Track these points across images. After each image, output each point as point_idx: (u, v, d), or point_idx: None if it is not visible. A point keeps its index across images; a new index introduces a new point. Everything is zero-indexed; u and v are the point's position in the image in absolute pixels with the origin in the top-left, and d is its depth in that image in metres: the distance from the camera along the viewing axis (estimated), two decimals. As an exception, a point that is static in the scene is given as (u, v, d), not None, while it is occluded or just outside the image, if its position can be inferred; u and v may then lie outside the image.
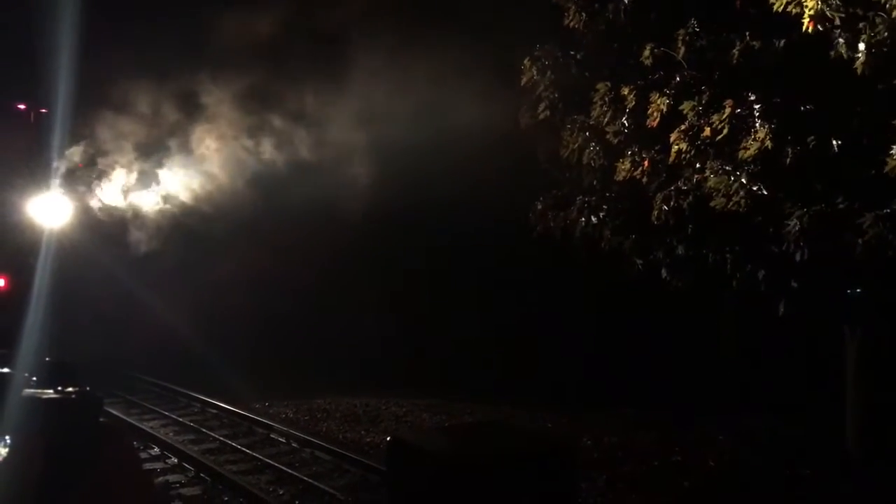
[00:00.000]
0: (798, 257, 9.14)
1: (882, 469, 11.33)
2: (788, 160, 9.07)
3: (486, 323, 20.32)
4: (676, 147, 9.95)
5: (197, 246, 19.19)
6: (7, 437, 7.21)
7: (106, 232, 17.64)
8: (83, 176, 17.05)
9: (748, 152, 9.22)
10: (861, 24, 7.93)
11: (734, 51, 9.57)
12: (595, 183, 11.95)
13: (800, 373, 15.95)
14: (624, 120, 10.77)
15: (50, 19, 15.16)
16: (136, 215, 17.40)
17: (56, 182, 16.50)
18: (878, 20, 7.79)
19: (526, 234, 13.40)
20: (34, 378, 9.21)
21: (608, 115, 10.90)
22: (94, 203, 17.11)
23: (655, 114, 10.18)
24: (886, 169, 8.31)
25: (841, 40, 8.14)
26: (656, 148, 10.54)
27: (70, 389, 7.43)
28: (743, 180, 9.46)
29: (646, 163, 10.63)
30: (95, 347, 18.94)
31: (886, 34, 7.73)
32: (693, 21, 9.88)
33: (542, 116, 12.02)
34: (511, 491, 5.41)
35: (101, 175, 16.99)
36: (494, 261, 20.13)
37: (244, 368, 19.27)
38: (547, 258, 16.32)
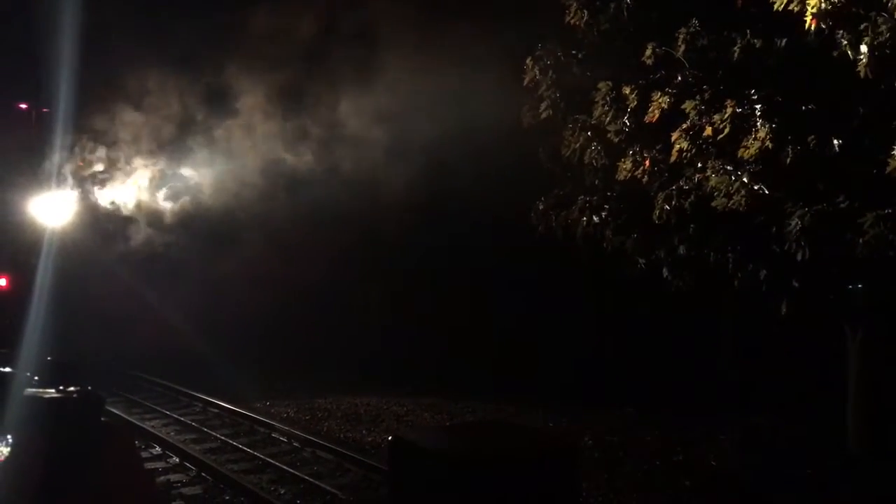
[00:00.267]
0: (799, 257, 9.14)
1: (883, 469, 11.33)
2: (789, 160, 9.06)
3: (488, 322, 20.33)
4: (678, 146, 9.95)
5: (199, 245, 19.20)
6: (8, 437, 7.21)
7: (107, 230, 17.65)
8: (85, 174, 17.06)
9: (749, 151, 9.22)
10: (863, 25, 7.92)
11: (735, 49, 9.57)
12: (597, 182, 11.96)
13: (801, 372, 15.94)
14: (625, 119, 10.77)
15: (51, 19, 15.18)
16: (139, 214, 17.41)
17: (57, 181, 16.52)
18: (880, 20, 7.78)
19: (527, 233, 13.41)
20: (36, 377, 9.21)
21: (610, 114, 10.89)
22: (96, 202, 17.12)
23: (656, 111, 10.18)
24: (888, 170, 8.30)
25: (844, 41, 8.13)
26: (658, 147, 10.54)
27: (71, 389, 7.42)
28: (744, 179, 9.46)
29: (647, 162, 10.63)
30: (97, 346, 18.97)
31: (889, 35, 7.71)
32: (694, 20, 9.88)
33: (543, 116, 12.02)
34: (512, 490, 5.41)
35: (104, 173, 16.99)
36: (496, 260, 20.13)
37: (245, 368, 19.30)
38: (548, 257, 16.32)
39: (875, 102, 8.98)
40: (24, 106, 18.67)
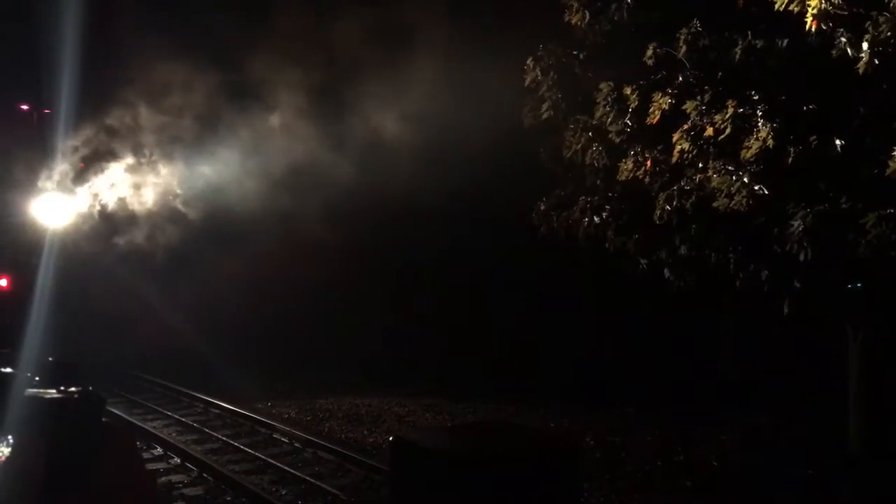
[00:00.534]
0: (802, 258, 9.13)
1: (885, 468, 11.32)
2: (791, 160, 9.06)
3: (488, 323, 20.34)
4: (679, 147, 9.95)
5: (200, 245, 19.18)
6: (10, 437, 7.22)
7: (109, 231, 17.64)
8: (87, 175, 17.05)
9: (750, 152, 9.22)
10: (865, 24, 7.92)
11: (736, 50, 9.57)
12: (598, 183, 11.97)
13: (802, 372, 15.93)
14: (627, 120, 10.76)
15: (53, 18, 15.17)
16: (142, 213, 17.38)
17: (59, 182, 16.50)
18: (881, 20, 7.78)
19: (528, 233, 13.41)
20: (37, 378, 9.22)
21: (611, 115, 10.89)
22: (98, 202, 17.10)
23: (657, 112, 10.18)
24: (889, 170, 8.30)
25: (843, 39, 8.12)
26: (659, 148, 10.54)
27: (73, 389, 7.43)
28: (745, 180, 9.45)
29: (648, 163, 10.64)
30: (98, 347, 18.98)
31: (890, 34, 7.71)
32: (695, 21, 9.88)
33: (545, 116, 12.03)
34: (514, 490, 5.40)
35: (106, 173, 16.97)
36: (496, 260, 20.14)
37: (247, 368, 19.31)
38: (549, 258, 16.32)
39: (876, 102, 8.98)
40: (25, 107, 18.66)
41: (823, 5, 7.95)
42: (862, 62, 7.96)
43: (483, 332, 20.08)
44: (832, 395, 13.04)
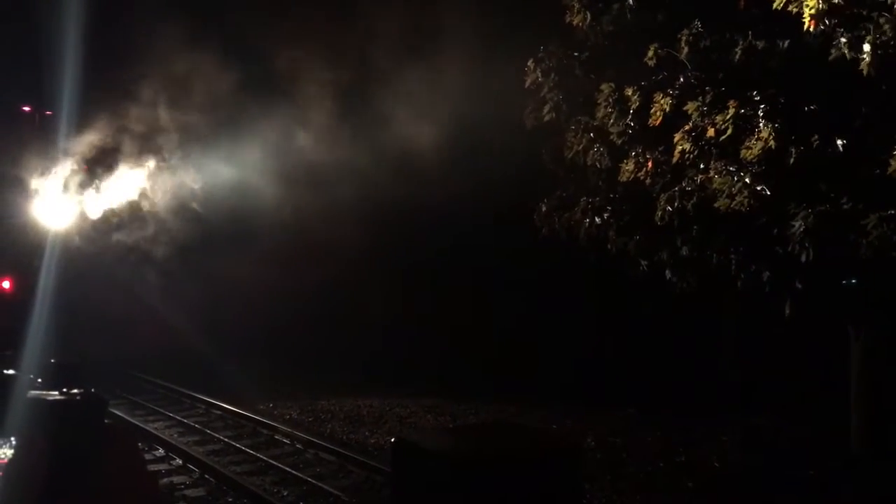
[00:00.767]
0: (803, 258, 9.12)
1: (886, 469, 11.32)
2: (792, 160, 9.06)
3: (490, 324, 20.34)
4: (680, 147, 9.95)
5: (203, 247, 19.21)
6: (12, 439, 7.23)
7: (112, 232, 17.67)
8: (90, 175, 17.07)
9: (752, 152, 9.21)
10: (867, 25, 7.92)
11: (737, 50, 9.57)
12: (600, 184, 11.97)
13: (803, 373, 15.93)
14: (628, 121, 10.77)
15: (55, 19, 15.18)
16: (145, 214, 17.40)
17: (61, 183, 16.53)
18: (882, 20, 7.78)
19: (528, 233, 13.41)
20: (39, 379, 9.23)
21: (612, 116, 10.89)
22: (101, 203, 17.12)
23: (658, 113, 10.18)
24: (890, 170, 8.30)
25: (843, 40, 8.12)
26: (660, 149, 10.54)
27: (75, 391, 7.43)
28: (746, 180, 9.44)
29: (650, 163, 10.64)
30: (100, 348, 18.98)
31: (892, 34, 7.71)
32: (697, 21, 9.88)
33: (546, 118, 12.03)
34: (516, 491, 5.40)
35: (110, 173, 16.98)
36: (498, 261, 20.14)
37: (248, 370, 19.31)
38: (550, 258, 16.33)
39: (878, 102, 8.98)
40: (27, 108, 18.68)
41: (821, 5, 7.95)
42: (864, 63, 7.96)
43: (484, 332, 20.07)
44: (833, 396, 13.04)
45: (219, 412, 16.70)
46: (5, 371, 9.63)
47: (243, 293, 21.64)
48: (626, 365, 17.78)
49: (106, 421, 7.63)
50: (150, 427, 15.36)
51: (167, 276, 20.50)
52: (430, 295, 20.93)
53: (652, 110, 10.26)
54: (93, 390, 7.65)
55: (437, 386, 18.31)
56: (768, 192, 9.37)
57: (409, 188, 16.83)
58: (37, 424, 6.96)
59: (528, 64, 11.92)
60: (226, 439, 14.43)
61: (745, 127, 9.34)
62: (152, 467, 12.44)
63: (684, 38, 9.95)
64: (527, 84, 12.04)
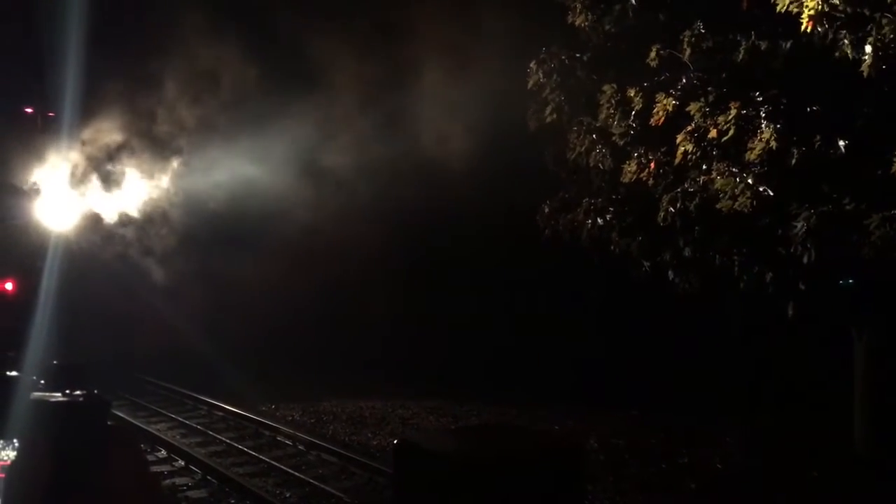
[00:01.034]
0: (805, 259, 9.11)
1: (889, 470, 11.30)
2: (795, 161, 9.05)
3: (493, 325, 20.33)
4: (682, 148, 9.95)
5: (206, 248, 19.21)
6: (15, 441, 7.24)
7: (115, 232, 17.67)
8: (94, 176, 17.08)
9: (754, 153, 9.21)
10: (868, 26, 7.92)
11: (740, 51, 9.57)
12: (602, 185, 11.96)
13: (806, 374, 15.92)
14: (630, 122, 10.76)
15: (57, 19, 15.18)
16: (149, 215, 17.40)
17: (64, 184, 16.54)
18: (884, 21, 7.77)
19: (530, 234, 13.41)
20: (42, 381, 9.24)
21: (615, 117, 10.89)
22: (104, 203, 17.12)
23: (660, 114, 10.18)
24: (893, 169, 8.29)
25: (846, 41, 8.12)
26: (662, 150, 10.54)
27: (78, 392, 7.44)
28: (749, 181, 9.44)
29: (652, 164, 10.63)
30: (103, 350, 18.99)
31: (893, 35, 7.71)
32: (699, 22, 9.88)
33: (548, 119, 12.03)
34: (518, 493, 5.41)
35: (115, 173, 16.99)
36: (500, 262, 20.13)
37: (251, 371, 19.32)
38: (552, 259, 16.31)
39: (879, 102, 8.98)
40: (29, 110, 18.69)
41: (821, 6, 7.95)
42: (865, 64, 7.96)
43: (486, 333, 20.08)
44: (836, 397, 13.03)
45: (221, 413, 16.70)
46: (9, 373, 9.63)
47: (246, 294, 21.63)
48: (629, 366, 17.77)
49: (109, 422, 7.65)
50: (152, 428, 15.37)
51: (169, 276, 20.51)
52: (432, 296, 20.94)
53: (654, 111, 10.26)
54: (95, 392, 7.67)
55: (439, 387, 18.30)
56: (770, 193, 9.36)
57: (417, 189, 16.85)
58: (40, 426, 6.98)
59: (531, 65, 11.93)
60: (228, 441, 14.43)
61: (747, 128, 9.34)
62: (155, 469, 12.46)
63: (686, 38, 9.95)
64: (529, 85, 12.04)
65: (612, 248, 11.90)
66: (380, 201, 18.03)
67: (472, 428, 12.47)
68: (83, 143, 16.83)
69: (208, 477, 12.23)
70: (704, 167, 9.97)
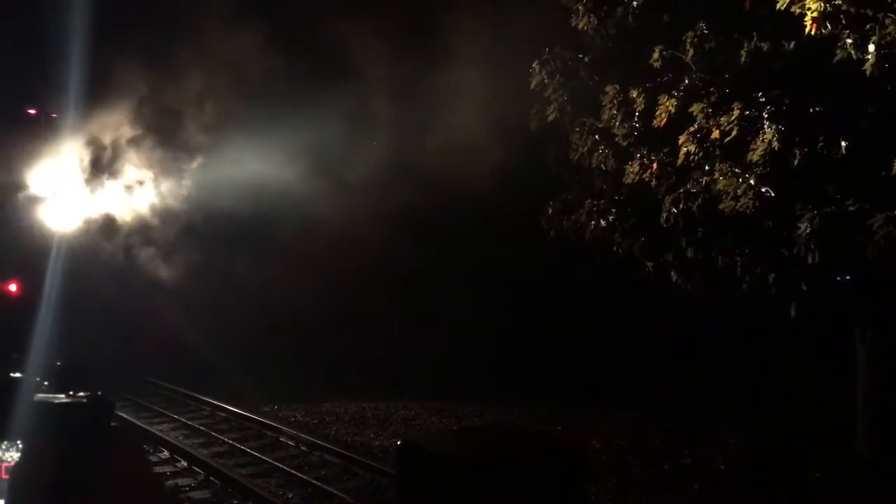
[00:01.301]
0: (810, 260, 9.10)
1: (892, 470, 11.29)
2: (797, 161, 9.04)
3: (495, 326, 20.33)
4: (685, 149, 9.94)
5: (208, 249, 19.24)
6: (19, 442, 7.24)
7: (118, 233, 17.71)
8: (96, 176, 17.11)
9: (756, 154, 9.19)
10: (870, 25, 7.91)
11: (743, 52, 9.56)
12: (605, 186, 11.96)
13: (809, 374, 15.90)
14: (633, 122, 10.76)
15: (61, 21, 15.20)
16: (152, 215, 17.42)
17: (68, 185, 16.57)
18: (887, 21, 7.76)
19: (532, 235, 13.42)
20: (45, 382, 9.25)
21: (617, 117, 10.89)
22: (106, 204, 17.15)
23: (663, 114, 10.18)
24: (895, 171, 8.28)
25: (849, 41, 8.11)
26: (665, 150, 10.53)
27: (81, 393, 7.46)
28: (751, 182, 9.42)
29: (655, 165, 10.63)
30: (106, 351, 19.01)
31: (896, 35, 7.70)
32: (702, 23, 9.87)
33: (550, 118, 12.03)
34: (521, 494, 5.41)
35: (119, 173, 17.01)
36: (502, 262, 20.13)
37: (253, 372, 19.32)
38: (555, 259, 16.31)
39: (882, 103, 8.96)
40: (32, 111, 18.73)
41: (825, 7, 7.94)
42: (868, 64, 7.95)
43: (488, 333, 20.07)
44: (838, 397, 13.01)
45: (224, 414, 16.71)
46: (12, 374, 9.64)
47: (248, 294, 21.64)
48: (631, 366, 17.76)
49: (112, 423, 7.66)
50: (155, 429, 15.38)
51: (173, 276, 20.53)
52: (433, 296, 20.94)
53: (657, 112, 10.25)
54: (99, 393, 7.68)
55: (441, 387, 18.30)
56: (773, 194, 9.35)
57: (418, 190, 16.85)
58: (43, 427, 6.99)
59: (534, 65, 11.93)
60: (231, 441, 14.44)
61: (749, 128, 9.32)
62: (158, 469, 12.47)
63: (689, 39, 9.93)
64: (532, 86, 12.05)
65: (614, 248, 11.90)
66: (382, 202, 18.03)
67: (474, 429, 12.48)
68: (88, 142, 16.85)
69: (211, 478, 12.24)
70: (707, 168, 9.95)
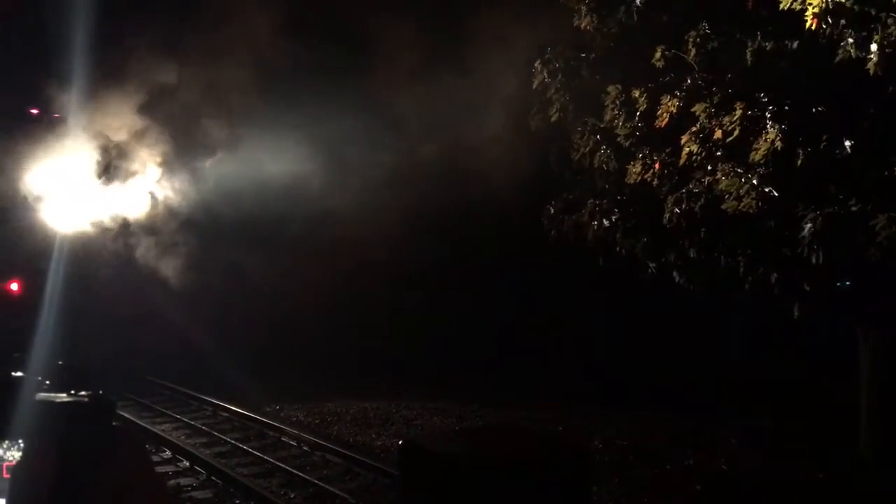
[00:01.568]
0: (813, 260, 9.08)
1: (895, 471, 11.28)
2: (800, 161, 9.02)
3: (497, 326, 20.32)
4: (687, 149, 9.94)
5: (210, 248, 19.21)
6: (20, 441, 7.23)
7: (121, 233, 17.68)
8: (100, 175, 17.08)
9: (759, 154, 9.19)
10: (873, 25, 7.89)
11: (747, 52, 9.55)
12: (607, 186, 11.95)
13: (812, 375, 15.88)
14: (635, 122, 10.75)
15: (63, 20, 15.17)
16: (155, 216, 17.39)
17: (70, 183, 16.55)
18: (889, 21, 7.75)
19: (533, 234, 13.41)
20: (47, 382, 9.23)
21: (619, 117, 10.88)
22: (110, 203, 17.12)
23: (665, 114, 10.17)
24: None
25: (850, 40, 8.09)
26: (667, 150, 10.53)
27: (83, 393, 7.44)
28: (754, 182, 9.41)
29: (657, 165, 10.62)
30: (108, 350, 19.02)
31: (899, 35, 7.69)
32: (704, 23, 9.86)
33: (553, 118, 12.02)
34: (524, 495, 5.39)
35: (122, 172, 16.98)
36: (504, 262, 20.13)
37: (255, 372, 19.32)
38: (557, 259, 16.30)
39: (885, 102, 8.94)
40: (34, 111, 18.72)
41: (825, 3, 7.92)
42: (872, 62, 7.93)
43: (489, 333, 20.06)
44: (842, 398, 12.99)
45: (226, 414, 16.71)
46: (14, 373, 9.63)
47: (253, 294, 21.65)
48: (633, 367, 17.75)
49: (114, 423, 7.64)
50: (157, 429, 15.38)
51: (175, 276, 20.52)
52: (434, 296, 20.93)
53: (659, 112, 10.25)
54: (100, 392, 7.66)
55: (443, 388, 18.29)
56: (776, 194, 9.34)
57: (420, 189, 16.83)
58: (44, 427, 6.98)
59: (535, 65, 11.93)
60: (233, 441, 14.44)
61: (752, 128, 9.31)
62: (159, 469, 12.46)
63: (692, 39, 9.93)
64: (534, 85, 12.04)
65: (617, 248, 11.89)
66: (390, 202, 18.00)
67: (476, 429, 12.42)
68: (93, 140, 16.82)
69: (213, 477, 12.24)
70: (709, 168, 9.95)
